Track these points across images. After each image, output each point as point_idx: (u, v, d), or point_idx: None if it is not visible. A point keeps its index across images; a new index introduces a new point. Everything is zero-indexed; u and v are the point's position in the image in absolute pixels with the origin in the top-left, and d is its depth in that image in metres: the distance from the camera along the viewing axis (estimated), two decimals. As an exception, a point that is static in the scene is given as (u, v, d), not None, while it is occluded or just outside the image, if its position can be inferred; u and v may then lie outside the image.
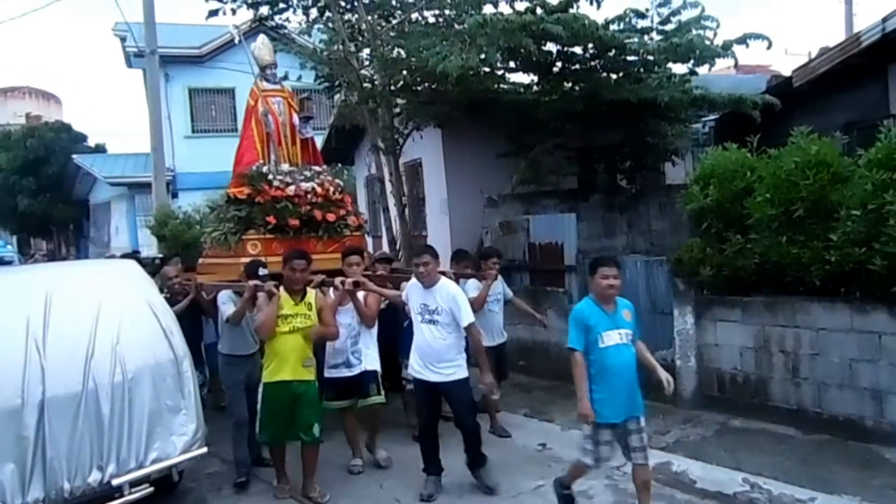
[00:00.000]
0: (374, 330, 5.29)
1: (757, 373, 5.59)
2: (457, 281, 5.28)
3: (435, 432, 4.87)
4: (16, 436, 3.75)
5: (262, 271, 4.99)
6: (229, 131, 17.75)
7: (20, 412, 3.79)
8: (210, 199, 7.51)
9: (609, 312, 3.96)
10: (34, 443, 3.78)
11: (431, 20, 9.07)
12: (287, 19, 10.08)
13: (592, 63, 7.96)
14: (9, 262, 17.32)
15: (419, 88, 8.64)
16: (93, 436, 3.95)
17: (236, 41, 12.25)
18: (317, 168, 6.73)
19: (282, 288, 4.76)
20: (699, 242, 6.04)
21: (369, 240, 10.23)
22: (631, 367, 3.93)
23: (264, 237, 6.10)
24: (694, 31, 7.58)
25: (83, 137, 25.88)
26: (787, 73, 9.57)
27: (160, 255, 9.00)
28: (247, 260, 5.61)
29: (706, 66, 7.92)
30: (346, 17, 9.40)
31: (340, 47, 8.95)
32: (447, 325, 4.60)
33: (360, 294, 5.21)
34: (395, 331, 5.67)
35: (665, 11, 8.01)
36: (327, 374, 5.18)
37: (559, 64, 8.14)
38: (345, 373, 5.16)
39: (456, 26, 8.19)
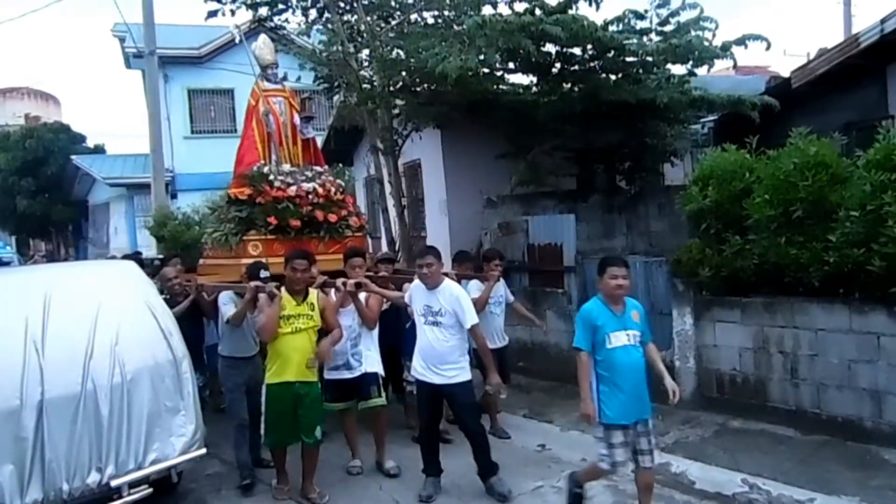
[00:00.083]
0: (375, 332, 5.25)
1: (756, 373, 5.59)
2: (458, 282, 5.26)
3: (435, 434, 4.86)
4: (14, 437, 3.75)
5: (263, 273, 4.95)
6: (228, 132, 17.77)
7: (19, 413, 3.78)
8: (209, 199, 7.51)
9: (617, 313, 3.92)
10: (33, 444, 3.77)
11: (430, 21, 9.09)
12: (286, 20, 10.09)
13: (591, 64, 7.96)
14: (7, 263, 17.29)
15: (418, 89, 8.65)
16: (91, 437, 3.95)
17: (237, 41, 12.27)
18: (318, 168, 6.72)
19: (283, 289, 4.73)
20: (698, 243, 6.04)
21: (369, 241, 10.22)
22: (639, 369, 3.89)
23: (265, 238, 6.08)
24: (693, 33, 7.58)
25: (82, 138, 25.86)
26: (785, 73, 9.60)
27: (160, 256, 8.98)
28: (248, 261, 5.59)
29: (705, 67, 7.94)
30: (345, 18, 9.41)
31: (339, 48, 8.96)
32: (450, 326, 4.57)
33: (362, 295, 5.17)
34: (397, 332, 5.65)
35: (664, 12, 8.01)
36: (327, 375, 5.16)
37: (558, 65, 8.14)
38: (345, 374, 5.14)
39: (455, 27, 8.20)
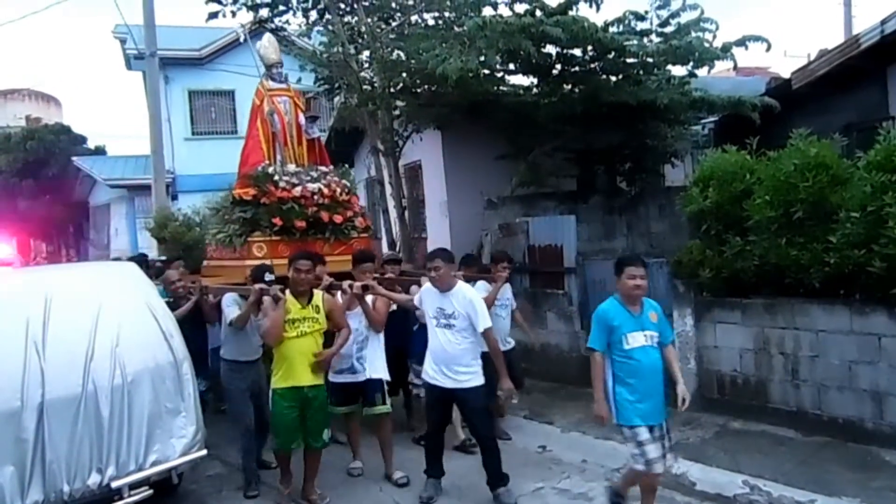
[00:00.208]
0: (382, 335, 5.18)
1: (756, 374, 5.59)
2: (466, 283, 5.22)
3: (441, 437, 4.83)
4: (15, 438, 3.75)
5: (268, 276, 4.84)
6: (229, 133, 17.77)
7: (19, 414, 3.78)
8: (210, 201, 7.48)
9: (635, 314, 3.86)
10: (33, 445, 3.77)
11: (431, 22, 9.10)
12: (287, 21, 10.11)
13: (592, 65, 7.96)
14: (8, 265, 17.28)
15: (419, 91, 8.65)
16: (92, 438, 3.94)
17: (242, 40, 12.24)
18: (323, 168, 6.65)
19: (288, 291, 4.65)
20: (699, 244, 6.04)
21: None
22: (657, 371, 3.83)
23: (270, 239, 6.02)
24: (693, 34, 7.59)
25: (83, 139, 25.86)
26: (786, 75, 9.61)
27: (162, 258, 8.96)
28: (252, 262, 5.54)
29: (705, 69, 7.95)
30: (345, 20, 9.42)
31: (340, 49, 8.97)
32: (463, 329, 4.52)
33: (369, 298, 5.09)
34: (404, 334, 5.60)
35: (664, 14, 8.02)
36: (332, 378, 5.10)
37: (558, 66, 8.14)
38: (349, 378, 5.08)
39: (455, 29, 8.21)
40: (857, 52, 7.45)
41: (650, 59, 7.66)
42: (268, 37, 7.05)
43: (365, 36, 9.19)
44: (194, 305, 5.91)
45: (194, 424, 4.39)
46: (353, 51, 9.17)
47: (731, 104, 8.24)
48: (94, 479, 3.90)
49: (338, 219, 6.32)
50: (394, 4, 9.48)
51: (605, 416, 3.82)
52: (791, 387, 5.37)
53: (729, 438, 5.31)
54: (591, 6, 7.53)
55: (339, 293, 5.08)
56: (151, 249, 13.04)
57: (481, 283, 5.71)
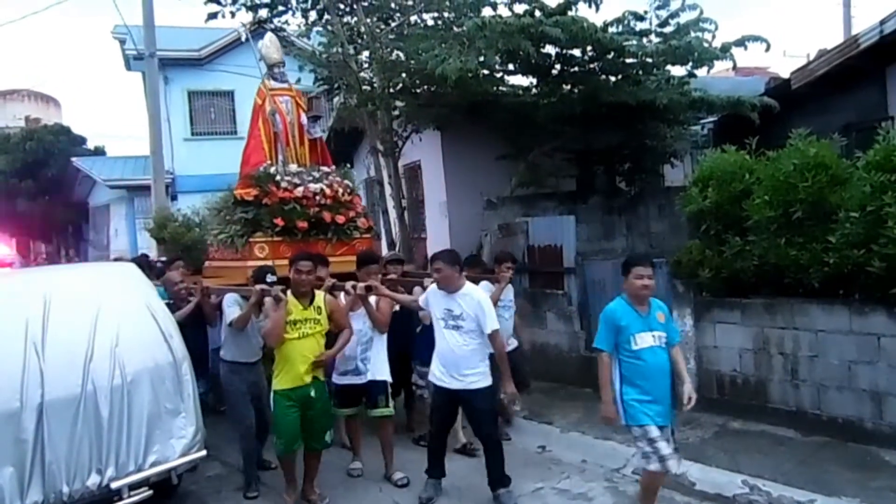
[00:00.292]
0: (385, 336, 5.15)
1: (756, 374, 5.59)
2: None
3: (445, 438, 4.82)
4: (14, 439, 3.75)
5: (270, 278, 4.77)
6: (228, 134, 17.77)
7: (19, 415, 3.78)
8: (209, 201, 7.47)
9: (642, 314, 3.83)
10: (33, 446, 3.77)
11: (430, 23, 9.10)
12: (286, 22, 10.11)
13: (591, 65, 7.97)
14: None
15: (418, 91, 8.65)
16: (92, 439, 3.94)
17: (243, 39, 12.24)
18: (325, 168, 6.61)
19: (289, 292, 4.61)
20: (698, 244, 6.04)
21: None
22: (665, 372, 3.79)
23: (272, 240, 5.99)
24: (692, 34, 7.59)
25: (82, 140, 25.87)
26: (785, 75, 9.61)
27: (162, 259, 8.94)
28: (254, 263, 5.50)
29: (705, 69, 7.96)
30: (345, 20, 9.42)
31: (339, 50, 8.97)
32: (471, 331, 4.48)
33: (372, 299, 5.05)
34: (407, 336, 5.56)
35: (663, 14, 8.03)
36: (336, 380, 5.07)
37: (558, 66, 8.15)
38: (353, 380, 5.05)
39: (455, 29, 8.21)
40: (856, 52, 7.46)
41: (649, 60, 7.67)
42: (270, 36, 7.01)
43: (364, 36, 9.19)
44: (195, 307, 5.86)
45: (194, 425, 4.39)
46: (352, 51, 9.17)
47: (730, 104, 8.25)
48: (93, 480, 3.90)
49: (340, 219, 6.28)
50: (393, 5, 9.48)
51: (614, 418, 3.78)
52: (790, 387, 5.37)
53: (728, 438, 5.31)
54: (590, 6, 7.54)
55: (342, 294, 5.05)
56: (151, 250, 13.05)
57: (485, 284, 5.68)
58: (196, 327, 5.85)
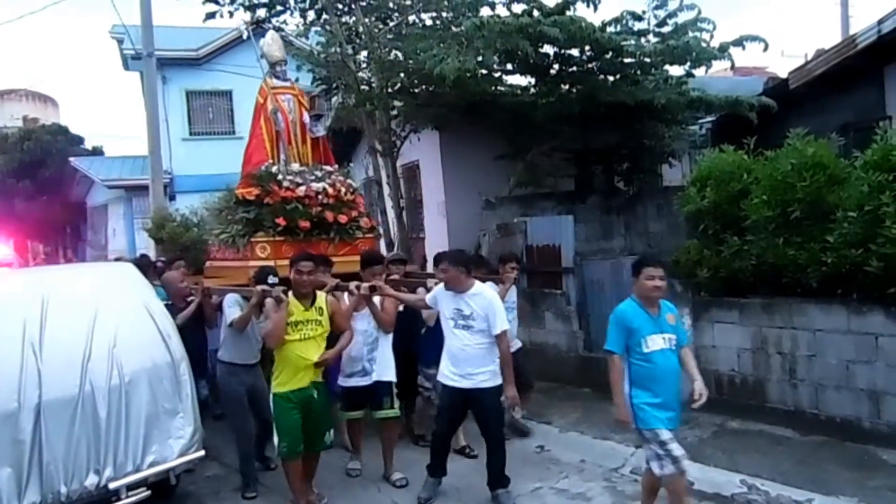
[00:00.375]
0: (390, 336, 5.09)
1: (754, 374, 5.60)
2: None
3: (450, 439, 4.81)
4: (12, 439, 3.74)
5: (272, 279, 4.67)
6: (227, 134, 17.74)
7: (16, 416, 3.78)
8: (207, 201, 7.44)
9: (653, 315, 3.75)
10: (31, 446, 3.77)
11: (429, 23, 9.09)
12: (284, 22, 10.08)
13: (589, 65, 7.97)
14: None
15: (416, 91, 8.65)
16: (89, 439, 3.94)
17: (245, 37, 12.20)
18: (328, 168, 6.56)
19: (291, 293, 4.55)
20: (696, 244, 6.05)
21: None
22: (676, 375, 3.74)
23: (274, 240, 5.94)
24: (690, 34, 7.60)
25: (80, 140, 25.83)
26: (783, 74, 9.61)
27: (162, 259, 8.90)
28: (255, 263, 5.45)
29: (703, 68, 7.95)
30: (343, 20, 9.41)
31: (338, 50, 8.96)
32: (482, 331, 4.47)
33: (377, 299, 5.00)
34: (411, 336, 5.52)
35: (661, 13, 8.04)
36: (342, 382, 5.02)
37: (556, 66, 8.16)
38: (360, 382, 4.99)
39: (453, 29, 8.20)
40: (853, 52, 7.46)
41: (647, 59, 7.68)
42: (272, 34, 6.95)
43: (362, 36, 9.18)
44: (197, 307, 5.78)
45: (192, 425, 4.39)
46: (350, 51, 9.17)
47: (728, 104, 8.25)
48: (91, 480, 3.90)
49: (343, 219, 6.22)
50: (391, 4, 9.48)
51: (629, 421, 3.71)
52: (788, 386, 5.38)
53: (727, 438, 5.32)
54: (588, 6, 7.54)
55: (345, 295, 5.00)
56: (149, 250, 13.02)
57: (489, 284, 5.66)
58: (195, 328, 5.81)
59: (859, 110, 7.95)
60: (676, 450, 3.65)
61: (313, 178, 6.26)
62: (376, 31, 9.06)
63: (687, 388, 3.80)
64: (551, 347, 7.39)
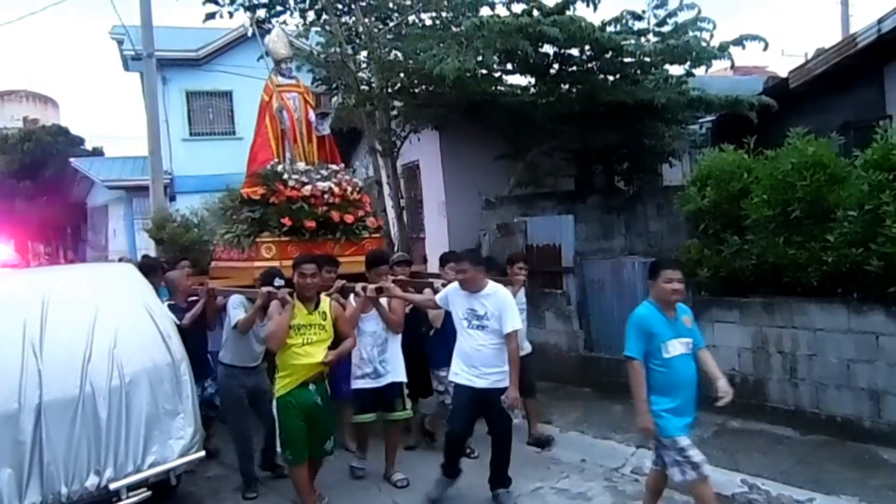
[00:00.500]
0: (400, 336, 5.06)
1: (755, 373, 5.59)
2: None
3: (466, 440, 4.78)
4: (13, 440, 3.74)
5: (278, 281, 4.63)
6: (227, 134, 17.72)
7: (17, 416, 3.78)
8: (207, 202, 7.43)
9: (671, 319, 3.69)
10: (31, 447, 3.77)
11: (428, 23, 9.09)
12: (284, 22, 10.07)
13: (589, 65, 7.97)
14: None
15: (416, 91, 8.65)
16: (90, 440, 3.94)
17: (249, 34, 12.18)
18: (334, 167, 6.50)
19: (295, 296, 4.50)
20: (696, 244, 6.05)
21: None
22: (694, 382, 3.68)
23: (279, 240, 5.89)
24: (690, 33, 7.60)
25: (80, 141, 25.84)
26: (783, 74, 9.62)
27: (163, 259, 8.85)
28: (261, 264, 5.40)
29: (703, 68, 7.95)
30: (343, 20, 9.41)
31: (337, 50, 8.96)
32: (496, 330, 4.44)
33: (383, 300, 4.96)
34: (418, 338, 5.49)
35: (661, 13, 8.04)
36: (354, 384, 4.98)
37: (556, 66, 8.16)
38: (371, 384, 4.95)
39: (453, 29, 8.21)
40: (853, 51, 7.46)
41: (647, 59, 7.68)
42: (277, 31, 6.89)
43: (362, 36, 9.18)
44: (202, 308, 5.67)
45: (192, 426, 4.38)
46: (350, 51, 9.17)
47: (728, 103, 8.25)
48: (91, 481, 3.89)
49: (349, 219, 6.18)
50: (391, 4, 9.48)
51: (652, 429, 3.63)
52: (789, 386, 5.38)
53: (727, 437, 5.31)
54: (588, 6, 7.55)
55: (351, 296, 4.95)
56: (149, 250, 13.02)
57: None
58: (197, 329, 5.77)
59: (859, 109, 7.95)
60: (696, 456, 3.60)
61: (319, 177, 6.20)
62: (376, 31, 9.06)
63: (713, 385, 3.72)
64: (552, 347, 7.39)
